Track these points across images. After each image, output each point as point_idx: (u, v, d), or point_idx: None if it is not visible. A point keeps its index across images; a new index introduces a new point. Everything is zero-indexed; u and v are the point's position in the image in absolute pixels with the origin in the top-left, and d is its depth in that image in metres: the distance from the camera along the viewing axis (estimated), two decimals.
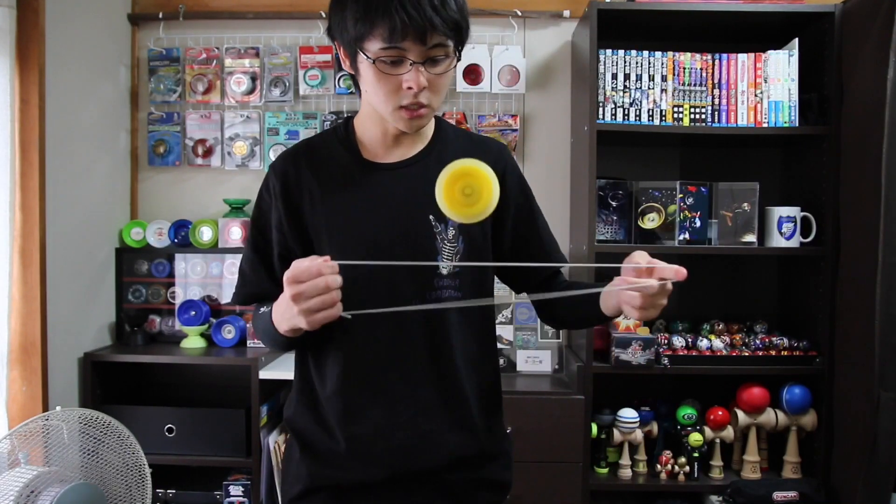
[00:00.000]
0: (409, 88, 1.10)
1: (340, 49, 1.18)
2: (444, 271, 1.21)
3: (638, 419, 2.34)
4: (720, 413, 2.36)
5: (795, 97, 2.33)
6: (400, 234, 1.19)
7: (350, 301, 1.12)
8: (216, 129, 2.74)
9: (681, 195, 2.37)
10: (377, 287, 1.18)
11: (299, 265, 1.01)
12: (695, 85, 2.35)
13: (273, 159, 1.28)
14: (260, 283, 1.24)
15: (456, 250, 1.22)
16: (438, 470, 1.22)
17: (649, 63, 2.34)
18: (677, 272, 1.08)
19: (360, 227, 1.19)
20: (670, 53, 2.34)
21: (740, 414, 2.36)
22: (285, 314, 1.05)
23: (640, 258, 1.09)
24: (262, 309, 1.20)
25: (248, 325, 2.58)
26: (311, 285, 1.00)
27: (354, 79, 1.22)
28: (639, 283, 1.07)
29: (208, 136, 2.73)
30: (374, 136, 1.23)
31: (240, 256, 2.59)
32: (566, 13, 2.69)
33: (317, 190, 1.21)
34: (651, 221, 2.39)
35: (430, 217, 1.19)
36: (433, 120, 1.28)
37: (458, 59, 1.16)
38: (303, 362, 1.27)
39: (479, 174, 1.03)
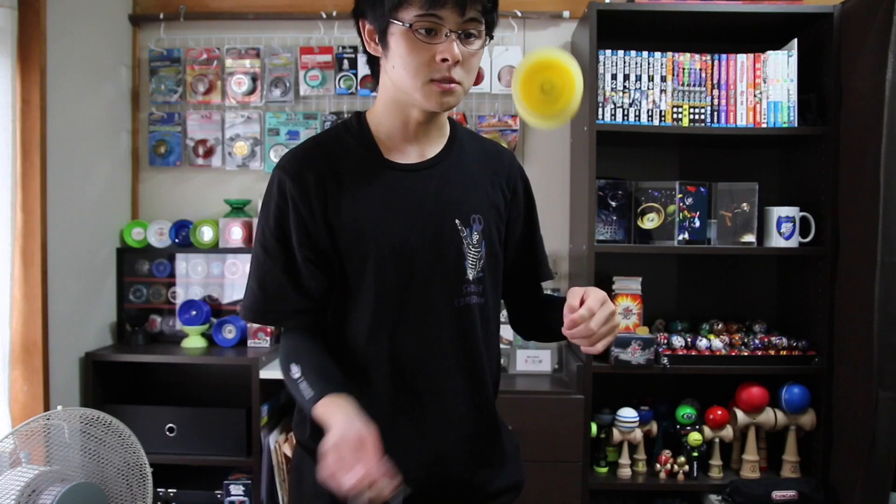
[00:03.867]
0: (444, 60, 1.06)
1: (365, 28, 1.14)
2: (471, 276, 1.19)
3: (637, 419, 2.34)
4: (719, 412, 2.37)
5: (794, 98, 2.34)
6: (428, 239, 1.16)
7: (381, 309, 1.14)
8: (217, 130, 2.74)
9: (680, 195, 2.38)
10: (409, 294, 1.15)
11: (369, 455, 0.97)
12: (694, 85, 2.35)
13: (275, 160, 1.24)
14: (286, 298, 1.16)
15: (479, 255, 1.21)
16: (466, 477, 1.21)
17: (649, 63, 2.35)
18: (595, 307, 1.06)
19: (388, 232, 1.14)
20: (670, 54, 2.35)
21: (739, 413, 2.36)
22: (336, 423, 1.02)
23: (573, 297, 1.08)
24: (295, 374, 1.13)
25: (247, 326, 2.59)
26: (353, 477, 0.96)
27: (373, 66, 1.19)
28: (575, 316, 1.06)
29: (209, 136, 2.74)
30: (393, 129, 1.18)
31: (240, 256, 2.63)
32: (566, 14, 2.69)
33: (339, 194, 1.15)
34: (650, 221, 2.39)
35: (457, 222, 1.18)
36: (447, 120, 1.25)
37: (489, 41, 1.13)
38: None
39: (561, 68, 0.91)
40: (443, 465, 1.19)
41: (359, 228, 1.14)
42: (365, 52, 1.18)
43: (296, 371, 1.13)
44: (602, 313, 1.05)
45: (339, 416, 1.04)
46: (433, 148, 1.21)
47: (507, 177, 1.28)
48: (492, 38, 1.14)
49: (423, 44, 1.06)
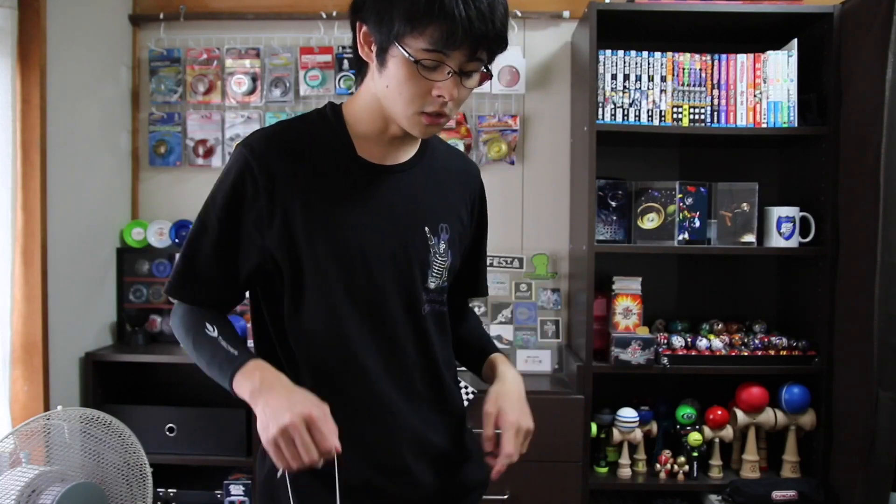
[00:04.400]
0: (440, 97, 1.04)
1: (362, 33, 1.09)
2: (432, 285, 1.18)
3: (637, 419, 2.34)
4: (719, 412, 2.37)
5: (794, 98, 2.33)
6: (397, 245, 1.14)
7: (338, 314, 1.11)
8: (217, 130, 2.74)
9: (680, 195, 2.38)
10: (373, 298, 1.13)
11: (329, 429, 0.99)
12: (694, 85, 2.35)
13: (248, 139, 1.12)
14: (217, 282, 1.14)
15: (445, 265, 1.19)
16: (430, 480, 1.20)
17: (649, 63, 2.35)
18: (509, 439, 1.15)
19: (357, 235, 1.11)
20: (670, 54, 2.35)
21: (739, 413, 2.36)
22: (275, 405, 1.00)
23: (486, 418, 1.16)
24: (211, 332, 1.11)
25: (247, 325, 2.57)
26: (304, 442, 0.98)
27: (360, 67, 1.15)
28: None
29: (209, 136, 2.74)
30: (370, 132, 1.15)
31: None
32: (566, 14, 2.69)
33: (309, 188, 1.11)
34: (650, 221, 2.39)
35: (426, 229, 1.16)
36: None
37: (489, 76, 1.10)
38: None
39: None
40: (408, 472, 1.17)
41: (326, 224, 1.10)
42: (354, 47, 1.14)
43: (212, 330, 1.11)
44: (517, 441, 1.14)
45: (277, 386, 1.03)
46: (406, 152, 1.19)
47: (472, 190, 1.29)
48: (490, 75, 1.10)
49: (422, 78, 1.03)
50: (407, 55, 1.02)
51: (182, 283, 1.15)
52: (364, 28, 1.09)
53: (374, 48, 1.08)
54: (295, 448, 0.98)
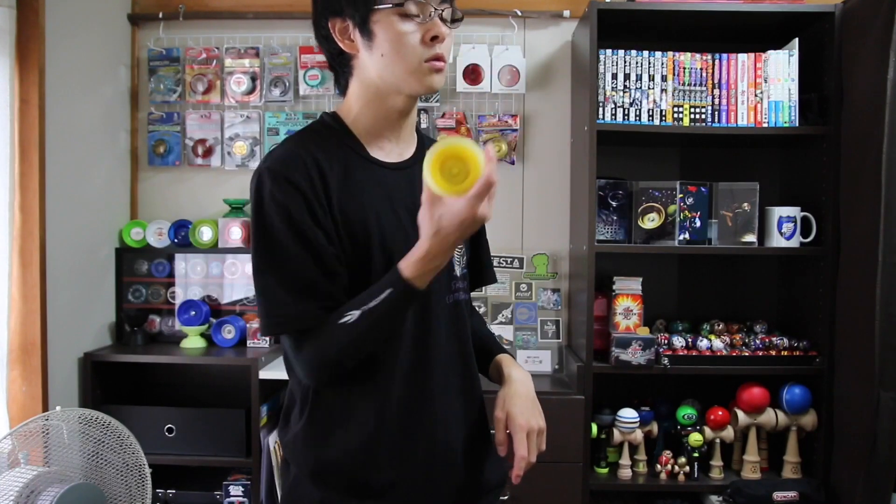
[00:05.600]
0: (435, 38, 1.08)
1: (336, 27, 1.12)
2: (458, 272, 1.22)
3: (638, 419, 2.34)
4: (720, 413, 2.36)
5: (795, 97, 2.33)
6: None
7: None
8: (216, 129, 2.74)
9: (681, 195, 2.37)
10: None
11: (476, 198, 0.96)
12: (695, 85, 2.35)
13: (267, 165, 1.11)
14: (317, 289, 1.07)
15: (462, 252, 1.24)
16: (465, 473, 1.22)
17: (649, 63, 2.34)
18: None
19: (390, 227, 1.13)
20: (670, 53, 2.34)
21: (740, 414, 2.36)
22: (445, 242, 0.99)
23: (496, 424, 1.18)
24: (351, 317, 1.04)
25: (247, 326, 2.58)
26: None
27: (341, 69, 1.17)
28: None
29: (208, 136, 2.73)
30: (370, 126, 1.17)
31: (239, 256, 2.63)
32: (566, 13, 2.69)
33: (339, 185, 1.10)
34: (651, 221, 2.39)
35: None
36: (415, 122, 1.26)
37: (461, 18, 1.15)
38: (313, 400, 1.16)
39: (467, 155, 0.97)
40: (445, 462, 1.19)
41: (362, 221, 1.11)
42: (330, 58, 1.17)
43: (349, 314, 1.05)
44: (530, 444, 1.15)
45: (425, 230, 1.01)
46: (409, 149, 1.22)
47: None
48: (462, 17, 1.15)
49: (413, 23, 1.07)
50: (389, 6, 1.07)
51: (293, 311, 1.07)
52: (337, 23, 1.12)
53: (354, 32, 1.11)
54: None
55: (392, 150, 1.19)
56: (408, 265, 1.03)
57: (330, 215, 1.09)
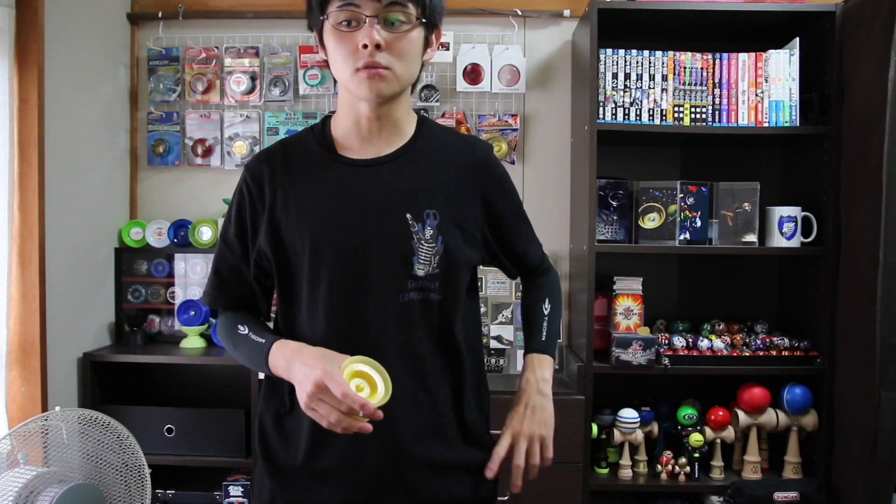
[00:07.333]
0: (364, 47, 1.09)
1: (317, 38, 1.19)
2: (421, 272, 1.17)
3: (638, 419, 2.33)
4: (721, 413, 2.36)
5: (796, 97, 2.33)
6: (375, 234, 1.15)
7: (317, 308, 1.16)
8: (216, 129, 2.73)
9: (681, 195, 2.37)
10: (352, 289, 1.15)
11: (337, 390, 1.01)
12: (695, 84, 2.35)
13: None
14: (241, 286, 1.25)
15: (434, 251, 1.18)
16: (417, 476, 1.19)
17: (650, 63, 2.34)
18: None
19: (333, 228, 1.16)
20: (671, 53, 2.34)
21: (741, 414, 2.35)
22: (296, 379, 1.08)
23: (503, 440, 1.23)
24: (242, 330, 1.20)
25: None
26: (336, 413, 1.03)
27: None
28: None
29: (208, 135, 2.73)
30: (347, 129, 1.21)
31: None
32: (566, 13, 2.68)
33: (289, 188, 1.19)
34: (651, 221, 2.38)
35: (408, 216, 1.16)
36: (415, 118, 1.25)
37: (428, 30, 1.16)
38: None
39: (369, 378, 1.06)
40: (394, 465, 1.17)
41: (303, 221, 1.17)
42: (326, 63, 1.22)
43: (243, 329, 1.21)
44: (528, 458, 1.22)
45: (295, 359, 1.10)
46: (390, 146, 1.21)
47: (478, 175, 1.25)
48: (433, 24, 1.17)
49: (345, 34, 1.11)
50: (330, 25, 1.13)
51: (210, 291, 1.28)
52: (314, 34, 1.20)
53: (321, 43, 1.19)
54: (328, 409, 1.04)
55: (368, 151, 1.20)
56: (275, 353, 1.14)
57: (269, 217, 1.19)
